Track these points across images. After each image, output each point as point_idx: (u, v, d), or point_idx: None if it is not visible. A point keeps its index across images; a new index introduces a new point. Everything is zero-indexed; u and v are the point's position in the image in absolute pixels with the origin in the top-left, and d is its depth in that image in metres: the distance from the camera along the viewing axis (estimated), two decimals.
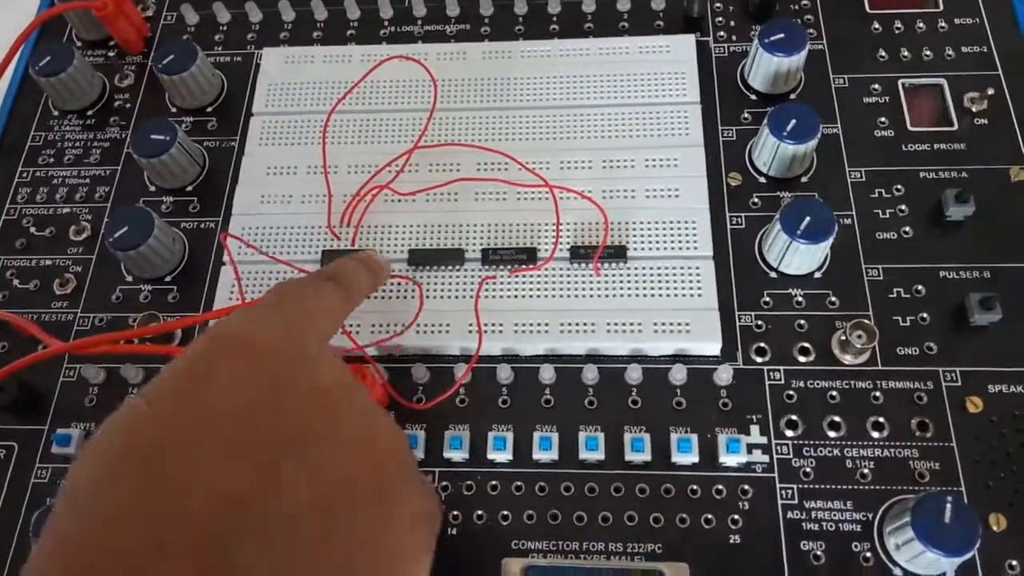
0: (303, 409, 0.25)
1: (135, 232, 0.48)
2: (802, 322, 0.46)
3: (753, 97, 0.53)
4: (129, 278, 0.50)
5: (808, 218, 0.44)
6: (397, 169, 0.51)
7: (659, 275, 0.46)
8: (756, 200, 0.50)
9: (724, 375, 0.44)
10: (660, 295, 0.46)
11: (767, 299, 0.47)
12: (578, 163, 0.50)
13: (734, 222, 0.49)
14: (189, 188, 0.53)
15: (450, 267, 0.47)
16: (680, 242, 0.47)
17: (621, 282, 0.46)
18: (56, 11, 0.57)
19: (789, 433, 0.43)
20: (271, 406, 0.24)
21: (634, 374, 0.44)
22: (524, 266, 0.47)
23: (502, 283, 0.47)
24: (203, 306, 0.49)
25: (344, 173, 0.51)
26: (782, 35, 0.50)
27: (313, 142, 0.52)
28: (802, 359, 0.45)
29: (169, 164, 0.51)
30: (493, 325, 0.45)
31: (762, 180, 0.50)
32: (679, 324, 0.45)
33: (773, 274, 0.47)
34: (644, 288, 0.46)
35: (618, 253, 0.47)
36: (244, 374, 0.24)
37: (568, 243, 0.47)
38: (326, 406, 0.26)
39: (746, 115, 0.53)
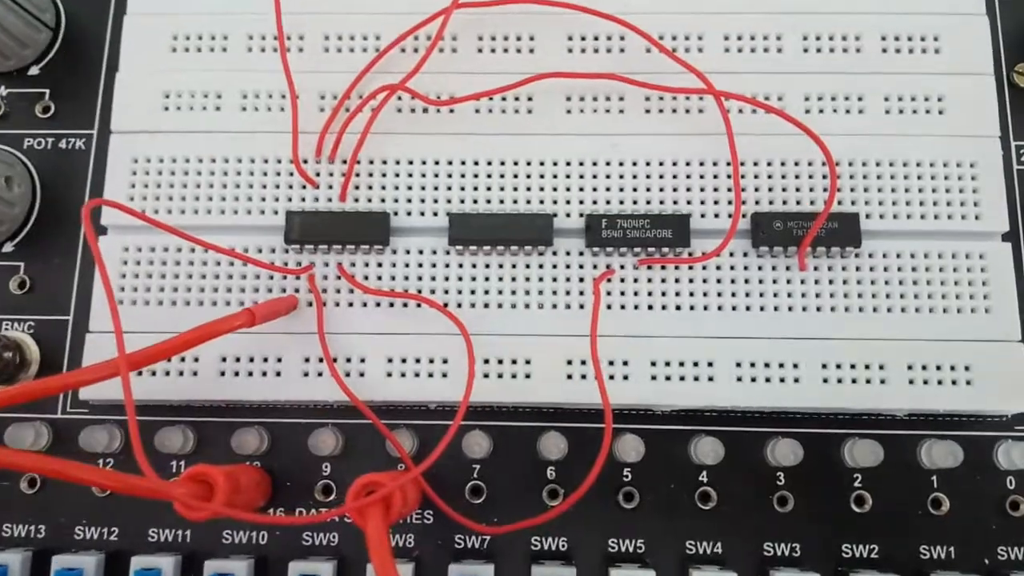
0: None
1: None
2: None
3: None
4: None
5: None
6: (421, 48, 0.27)
7: (912, 272, 0.25)
8: None
9: (1018, 455, 0.25)
10: (915, 310, 0.25)
11: None
12: (758, 41, 0.27)
13: (1023, 158, 0.28)
14: (34, 71, 0.29)
15: (528, 250, 0.26)
16: (950, 205, 0.26)
17: (847, 285, 0.25)
18: None
19: None
20: None
21: (862, 452, 0.25)
22: (667, 254, 0.25)
23: (627, 284, 0.26)
24: (73, 307, 0.27)
25: (319, 52, 0.27)
26: None
27: None
28: None
29: None
30: (611, 364, 0.25)
31: None
32: (950, 366, 0.25)
33: None
34: (886, 297, 0.25)
35: (844, 231, 0.25)
36: None
37: (746, 208, 0.26)
38: None
39: None
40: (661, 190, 0.26)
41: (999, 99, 0.27)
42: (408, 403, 0.25)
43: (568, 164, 0.26)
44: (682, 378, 0.25)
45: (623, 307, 0.25)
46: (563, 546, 0.25)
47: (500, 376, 0.25)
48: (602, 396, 0.23)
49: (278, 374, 0.25)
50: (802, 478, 0.25)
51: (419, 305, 0.25)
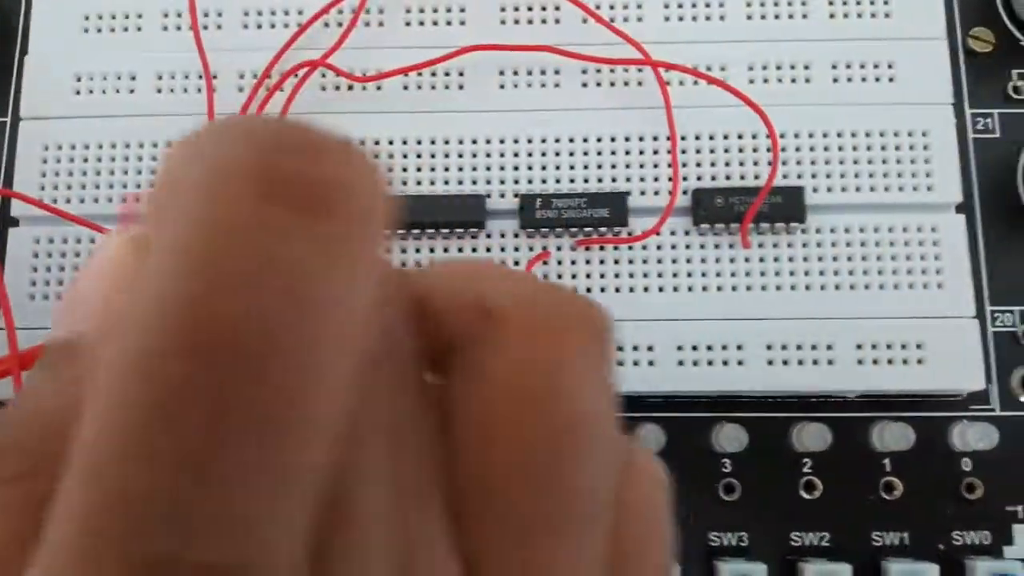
0: None
1: None
2: None
3: None
4: None
5: None
6: (339, 21, 0.26)
7: (861, 247, 0.24)
8: (1021, 84, 0.27)
9: (972, 436, 0.24)
10: (864, 287, 0.24)
11: None
12: (699, 9, 0.26)
13: (979, 127, 0.26)
14: None
15: (459, 233, 0.24)
16: (900, 177, 0.25)
17: (792, 263, 0.24)
18: None
19: None
20: None
21: (809, 436, 0.24)
22: (605, 234, 0.24)
23: (564, 267, 0.24)
24: None
25: (237, 28, 0.26)
26: None
27: None
28: None
29: None
30: None
31: None
32: (901, 345, 0.24)
33: None
34: (834, 274, 0.24)
35: (788, 205, 0.24)
36: None
37: (687, 185, 0.25)
38: None
39: None
40: (599, 167, 0.25)
41: (954, 65, 0.26)
42: None
43: (502, 142, 0.25)
44: (621, 363, 0.24)
45: None
46: None
47: None
48: None
49: None
50: (749, 464, 0.24)
51: None
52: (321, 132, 0.08)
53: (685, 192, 0.24)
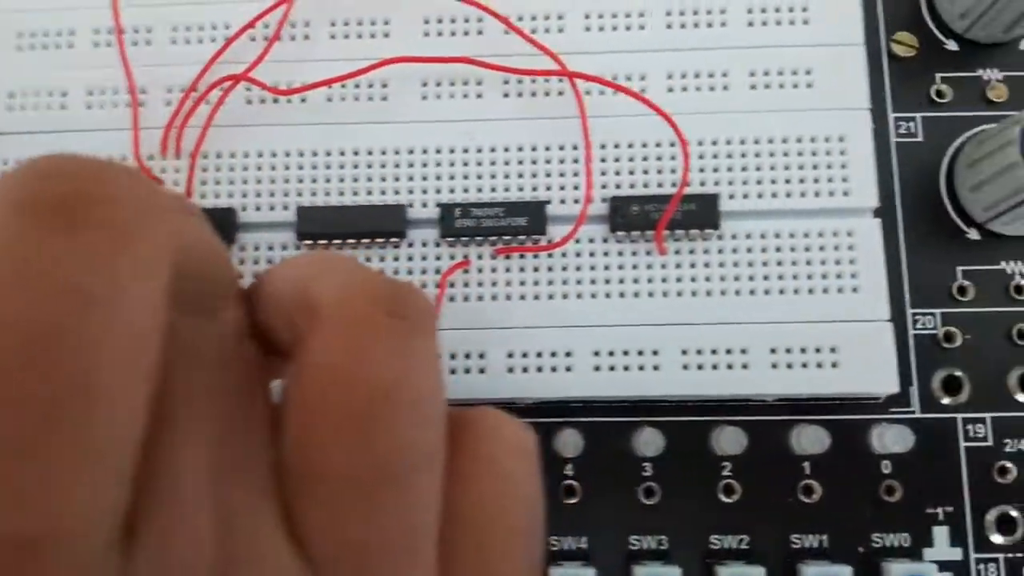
0: None
1: None
2: None
3: None
4: None
5: None
6: (267, 35, 0.26)
7: (776, 253, 0.24)
8: (943, 87, 0.27)
9: (890, 438, 0.24)
10: (779, 292, 0.24)
11: (963, 283, 0.26)
12: (619, 19, 0.26)
13: (902, 131, 0.27)
14: None
15: (380, 243, 0.25)
16: (817, 182, 0.25)
17: (708, 268, 0.24)
18: None
19: (1000, 540, 0.24)
20: None
21: (728, 440, 0.24)
22: (524, 242, 0.25)
23: (485, 275, 0.25)
24: None
25: (166, 44, 0.26)
26: None
27: None
28: None
29: None
30: (467, 357, 0.24)
31: (952, 47, 0.27)
32: (816, 350, 0.24)
33: (974, 234, 0.26)
34: (749, 279, 0.24)
35: (702, 213, 0.24)
36: None
37: (606, 193, 0.25)
38: None
39: None
40: (520, 176, 0.25)
41: (877, 70, 0.27)
42: None
43: (424, 152, 0.25)
44: (539, 369, 0.24)
45: (480, 298, 0.25)
46: None
47: None
48: None
49: None
50: (668, 468, 0.24)
51: None
52: (86, 159, 0.09)
53: (604, 200, 0.25)
